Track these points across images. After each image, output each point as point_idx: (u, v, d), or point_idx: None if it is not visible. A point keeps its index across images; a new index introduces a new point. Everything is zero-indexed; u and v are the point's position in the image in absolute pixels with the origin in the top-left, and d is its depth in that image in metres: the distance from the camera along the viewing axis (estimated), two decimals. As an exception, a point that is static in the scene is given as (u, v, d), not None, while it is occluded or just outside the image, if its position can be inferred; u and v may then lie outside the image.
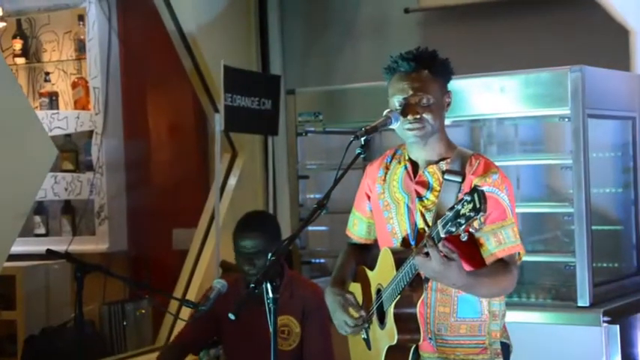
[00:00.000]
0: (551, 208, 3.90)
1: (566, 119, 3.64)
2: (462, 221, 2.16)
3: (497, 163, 2.51)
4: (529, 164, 4.07)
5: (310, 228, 4.33)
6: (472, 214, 2.14)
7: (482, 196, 2.13)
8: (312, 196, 4.46)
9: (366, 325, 2.57)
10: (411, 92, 2.44)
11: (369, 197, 2.66)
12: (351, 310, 2.56)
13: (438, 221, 2.22)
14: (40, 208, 5.36)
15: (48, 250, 3.23)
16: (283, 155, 4.80)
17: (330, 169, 4.37)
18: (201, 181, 5.16)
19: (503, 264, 2.40)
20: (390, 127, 2.47)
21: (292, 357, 3.32)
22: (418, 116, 2.43)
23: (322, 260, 4.47)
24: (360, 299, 2.63)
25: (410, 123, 2.44)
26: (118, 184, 5.27)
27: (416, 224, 2.48)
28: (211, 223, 4.66)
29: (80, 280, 3.03)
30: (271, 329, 2.28)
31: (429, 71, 2.46)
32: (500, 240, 2.39)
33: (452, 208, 2.18)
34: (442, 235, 2.22)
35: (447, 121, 2.59)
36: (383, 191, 2.59)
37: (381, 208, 2.58)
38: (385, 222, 2.57)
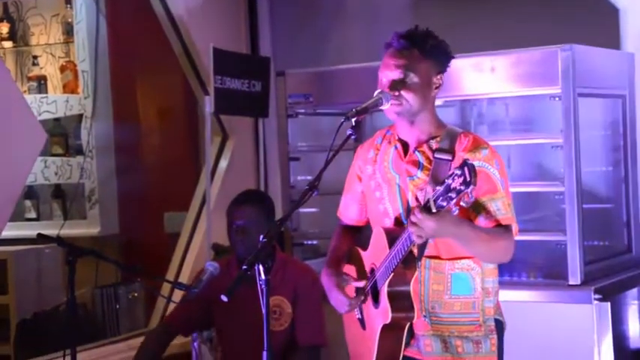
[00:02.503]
0: (542, 187, 3.91)
1: (557, 98, 3.64)
2: (453, 195, 2.16)
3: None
4: (520, 143, 4.08)
5: (301, 210, 4.33)
6: (462, 187, 2.14)
7: (472, 169, 2.14)
8: (303, 177, 4.46)
9: (363, 301, 2.58)
10: (394, 69, 2.45)
11: (360, 179, 2.67)
12: (347, 290, 2.58)
13: (430, 196, 2.23)
14: (30, 193, 5.34)
15: (39, 235, 3.22)
16: (274, 137, 4.79)
17: (321, 150, 4.36)
18: (192, 164, 5.15)
19: (499, 229, 2.41)
20: (381, 107, 2.47)
21: (284, 337, 3.33)
22: (397, 93, 2.44)
23: (314, 242, 4.48)
24: (354, 279, 2.63)
25: (389, 99, 2.44)
26: (109, 167, 5.25)
27: (408, 203, 2.49)
28: (203, 206, 4.65)
29: (72, 264, 3.02)
30: (264, 310, 2.28)
31: (419, 50, 2.46)
32: (490, 212, 2.40)
33: (442, 182, 2.19)
34: (434, 210, 2.22)
35: (437, 101, 2.59)
36: (374, 172, 2.59)
37: (373, 189, 2.59)
38: (377, 202, 2.57)
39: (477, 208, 2.40)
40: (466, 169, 2.14)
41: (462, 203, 2.19)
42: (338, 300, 2.59)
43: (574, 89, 3.60)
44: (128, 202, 5.27)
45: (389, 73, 2.46)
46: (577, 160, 3.62)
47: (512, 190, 2.54)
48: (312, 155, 4.48)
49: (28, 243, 4.84)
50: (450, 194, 2.17)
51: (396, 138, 2.56)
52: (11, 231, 4.44)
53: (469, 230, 2.36)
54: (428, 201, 2.23)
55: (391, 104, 2.44)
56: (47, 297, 4.77)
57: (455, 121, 4.11)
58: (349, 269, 2.67)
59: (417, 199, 2.45)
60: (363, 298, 2.58)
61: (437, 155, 2.44)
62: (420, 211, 2.22)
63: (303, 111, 4.38)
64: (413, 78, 2.45)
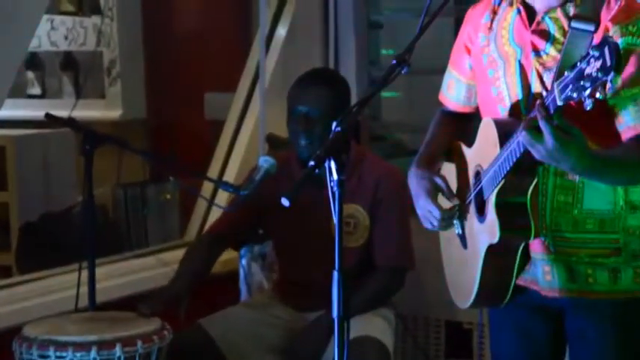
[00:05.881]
0: None
1: None
2: (587, 84, 2.10)
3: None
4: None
5: (384, 94, 4.32)
6: (600, 74, 2.07)
7: (616, 50, 2.07)
8: (386, 51, 4.44)
9: (458, 219, 2.59)
10: None
11: (469, 51, 2.63)
12: (440, 198, 2.58)
13: (555, 84, 2.18)
14: (33, 62, 5.44)
15: (47, 115, 3.28)
16: (349, -2, 4.75)
17: (411, 15, 4.32)
18: (241, 31, 5.16)
19: None
20: (498, -44, 2.41)
21: (359, 255, 3.39)
22: None
23: (399, 135, 4.49)
24: (454, 184, 2.63)
25: None
26: (134, 33, 5.30)
27: (530, 87, 2.45)
28: (254, 86, 4.68)
29: (89, 154, 3.10)
30: (335, 220, 2.29)
31: None
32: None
33: (574, 66, 2.13)
34: (559, 103, 2.17)
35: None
36: (487, 43, 2.55)
37: (485, 66, 2.55)
38: (490, 84, 2.54)
39: (622, 102, 2.34)
40: (607, 49, 2.06)
41: (597, 95, 2.13)
42: (425, 211, 2.59)
43: None
44: (158, 79, 5.32)
45: None
46: None
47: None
48: (400, 21, 4.44)
49: (32, 126, 4.93)
50: (582, 82, 2.11)
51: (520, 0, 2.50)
52: (10, 110, 4.53)
53: (597, 163, 2.28)
54: (552, 91, 2.17)
55: None
56: (57, 196, 4.89)
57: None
58: (448, 170, 2.66)
59: (542, 82, 2.41)
60: (459, 215, 2.57)
61: (574, 24, 2.37)
62: (544, 116, 2.15)
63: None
64: None
